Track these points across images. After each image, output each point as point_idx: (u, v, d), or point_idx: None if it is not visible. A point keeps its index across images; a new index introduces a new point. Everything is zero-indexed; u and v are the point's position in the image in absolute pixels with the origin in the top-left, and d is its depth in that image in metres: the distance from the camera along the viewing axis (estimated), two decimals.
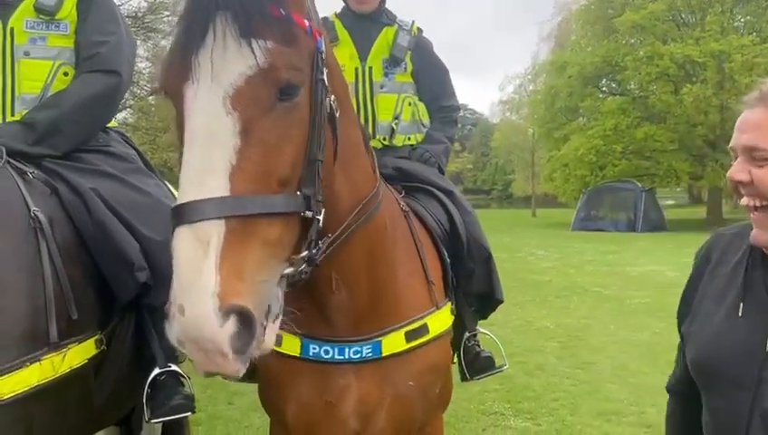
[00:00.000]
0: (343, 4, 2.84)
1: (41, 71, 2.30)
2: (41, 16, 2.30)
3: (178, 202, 1.26)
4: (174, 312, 1.20)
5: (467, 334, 2.48)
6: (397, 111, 2.77)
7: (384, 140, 2.75)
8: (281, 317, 1.36)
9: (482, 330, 2.58)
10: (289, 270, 1.37)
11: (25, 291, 1.79)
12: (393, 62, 2.76)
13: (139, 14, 19.94)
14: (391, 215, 1.97)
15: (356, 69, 2.73)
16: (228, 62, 1.29)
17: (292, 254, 1.39)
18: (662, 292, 9.38)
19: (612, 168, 27.03)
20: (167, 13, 21.13)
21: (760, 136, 1.33)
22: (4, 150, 2.02)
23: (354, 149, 1.75)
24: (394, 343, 1.93)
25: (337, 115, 1.54)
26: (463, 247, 2.38)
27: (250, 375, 2.04)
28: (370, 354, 1.90)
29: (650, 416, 4.69)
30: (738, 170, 1.38)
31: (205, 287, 1.18)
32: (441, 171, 2.81)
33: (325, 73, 1.48)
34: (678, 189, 41.35)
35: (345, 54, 2.67)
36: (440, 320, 2.08)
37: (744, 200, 1.39)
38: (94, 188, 2.14)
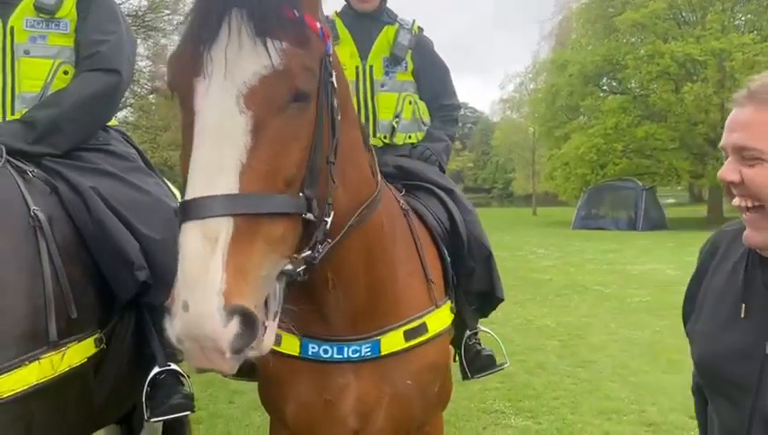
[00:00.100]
0: (344, 2, 2.84)
1: (41, 69, 2.30)
2: (41, 15, 2.29)
3: (187, 197, 1.25)
4: (177, 308, 1.19)
5: (468, 333, 2.48)
6: (397, 110, 2.77)
7: (385, 138, 2.75)
8: (279, 316, 1.36)
9: (483, 328, 2.59)
10: (288, 267, 1.37)
11: (25, 290, 1.79)
12: (394, 60, 2.76)
13: (140, 13, 19.95)
14: (390, 213, 1.97)
15: (357, 67, 2.73)
16: (243, 61, 1.28)
17: (292, 253, 1.39)
18: (663, 290, 9.39)
19: (613, 166, 27.03)
20: (167, 11, 21.15)
21: (749, 135, 1.29)
22: (3, 149, 2.02)
23: (354, 150, 1.75)
24: (393, 341, 1.93)
25: (338, 118, 1.54)
26: (463, 246, 2.38)
27: (250, 373, 2.04)
28: (369, 353, 1.90)
29: (651, 414, 4.69)
30: (728, 170, 1.34)
31: (211, 285, 1.17)
32: (442, 169, 2.81)
33: (334, 76, 1.50)
34: (679, 188, 41.33)
35: (346, 53, 2.67)
36: (439, 319, 2.08)
37: (736, 201, 1.35)
38: (94, 186, 2.14)
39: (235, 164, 1.26)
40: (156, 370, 2.13)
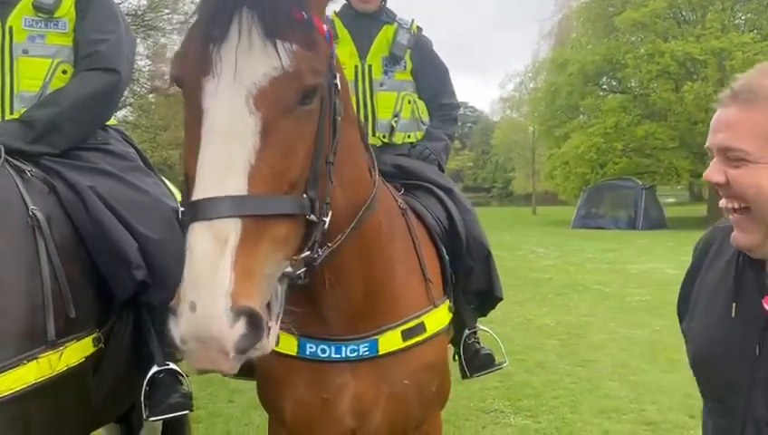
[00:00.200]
0: (343, 2, 2.83)
1: (40, 69, 2.29)
2: (39, 14, 2.29)
3: (196, 197, 1.25)
4: (183, 308, 1.19)
5: (467, 332, 2.49)
6: (396, 109, 2.77)
7: (384, 137, 2.76)
8: (281, 317, 1.36)
9: (482, 327, 2.59)
10: (288, 269, 1.37)
11: (24, 290, 1.79)
12: (393, 60, 2.76)
13: (139, 12, 19.94)
14: (388, 213, 1.97)
15: (356, 67, 2.73)
16: (253, 61, 1.29)
17: (294, 255, 1.39)
18: (662, 289, 9.38)
19: (613, 165, 27.02)
20: (167, 10, 21.14)
21: (733, 136, 1.27)
22: (2, 149, 2.01)
23: (353, 150, 1.75)
24: (391, 341, 1.93)
25: (340, 119, 1.54)
26: (462, 245, 2.38)
27: (249, 372, 2.04)
28: (367, 353, 1.90)
29: (650, 413, 4.69)
30: (713, 171, 1.32)
31: (219, 286, 1.17)
32: (441, 169, 2.82)
33: (338, 78, 1.51)
34: (679, 187, 41.32)
35: (345, 53, 2.67)
36: (437, 318, 2.08)
37: (723, 202, 1.33)
38: (92, 186, 2.13)
39: (244, 165, 1.26)
40: (154, 369, 2.13)
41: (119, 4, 3.00)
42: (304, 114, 1.37)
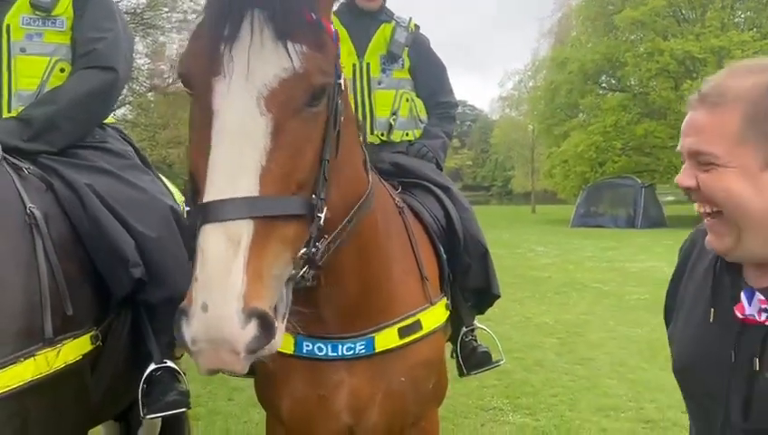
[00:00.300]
0: (341, 0, 2.84)
1: (37, 67, 2.29)
2: (37, 13, 2.29)
3: (207, 199, 1.25)
4: (195, 309, 1.19)
5: (464, 329, 2.49)
6: (394, 107, 2.78)
7: (382, 135, 2.76)
8: (286, 317, 1.36)
9: (479, 325, 2.59)
10: (293, 271, 1.37)
11: (21, 287, 1.79)
12: (390, 58, 2.77)
13: (138, 10, 19.90)
14: (384, 211, 1.97)
15: (354, 65, 2.74)
16: (264, 62, 1.29)
17: (296, 254, 1.39)
18: (661, 288, 9.15)
19: (612, 164, 27.04)
20: (166, 9, 21.10)
21: (702, 140, 1.25)
22: None
23: (350, 148, 1.75)
24: (387, 339, 1.94)
25: (342, 118, 1.55)
26: (459, 243, 2.39)
27: (248, 370, 2.05)
28: (363, 351, 1.90)
29: (649, 411, 4.70)
30: (685, 176, 1.29)
31: (232, 288, 1.18)
32: (439, 167, 2.82)
33: (342, 78, 1.52)
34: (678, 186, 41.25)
35: (343, 51, 2.65)
36: (434, 316, 2.08)
37: (696, 206, 1.31)
38: (90, 184, 2.13)
39: (256, 166, 1.27)
40: (152, 367, 2.14)
41: (117, 2, 2.99)
42: (312, 115, 1.38)
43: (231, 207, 1.23)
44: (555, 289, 10.14)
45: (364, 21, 2.79)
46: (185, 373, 2.26)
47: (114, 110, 2.75)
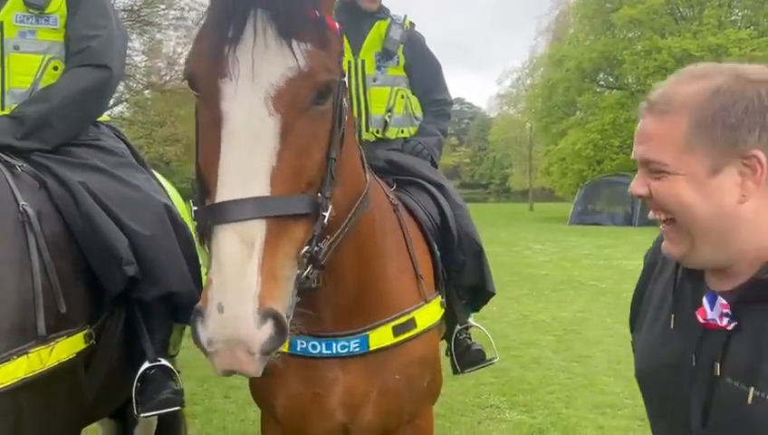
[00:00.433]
0: None
1: (30, 65, 2.28)
2: (30, 10, 2.28)
3: (220, 199, 1.26)
4: (211, 310, 1.20)
5: (458, 327, 2.49)
6: (390, 104, 2.78)
7: (377, 132, 2.76)
8: (290, 319, 1.37)
9: (473, 323, 2.59)
10: (298, 271, 1.38)
11: (14, 285, 1.78)
12: (385, 55, 2.77)
13: (135, 8, 19.85)
14: (380, 209, 1.97)
15: (349, 62, 2.73)
16: (270, 62, 1.29)
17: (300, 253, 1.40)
18: None
19: (610, 162, 27.05)
20: (162, 6, 21.07)
21: (651, 148, 1.25)
22: None
23: (350, 147, 1.75)
24: (382, 337, 1.94)
25: (346, 117, 1.55)
26: (453, 241, 2.39)
27: None
28: (358, 349, 1.91)
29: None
30: (637, 184, 1.30)
31: (247, 288, 1.19)
32: (434, 164, 2.82)
33: (346, 76, 1.52)
34: None
35: None
36: (429, 314, 2.08)
37: (652, 214, 1.31)
38: (83, 182, 2.13)
39: (267, 167, 1.28)
40: (146, 365, 2.13)
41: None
42: (319, 113, 1.38)
43: (243, 207, 1.24)
44: (552, 287, 10.15)
45: (359, 18, 2.78)
46: (179, 372, 2.25)
47: (111, 107, 2.74)
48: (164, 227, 2.24)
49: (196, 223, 1.38)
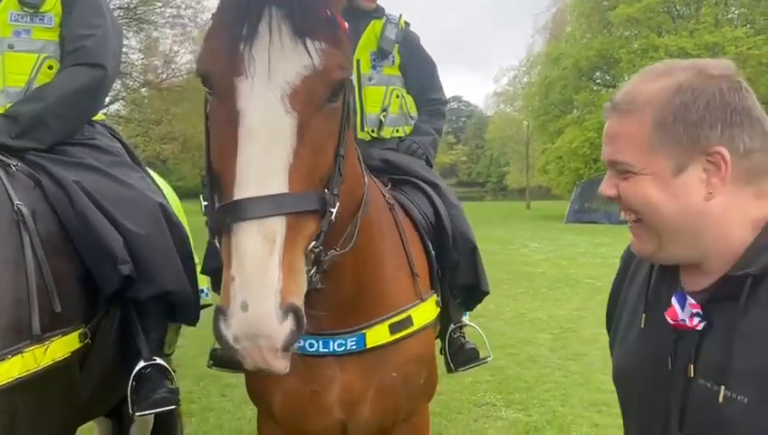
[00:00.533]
0: None
1: (25, 64, 2.28)
2: (25, 9, 2.27)
3: (238, 196, 1.27)
4: (234, 308, 1.21)
5: (452, 326, 2.50)
6: (385, 104, 2.78)
7: (372, 132, 2.76)
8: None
9: (467, 322, 2.60)
10: (306, 267, 1.38)
11: (8, 284, 1.78)
12: (381, 54, 2.77)
13: (131, 6, 19.81)
14: (377, 208, 1.97)
15: None
16: (285, 61, 1.30)
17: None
18: None
19: None
20: (159, 4, 21.03)
21: (617, 149, 1.23)
22: None
23: (352, 145, 1.76)
24: (378, 335, 1.94)
25: (352, 115, 1.57)
26: (448, 239, 2.39)
27: (240, 366, 2.05)
28: (354, 347, 1.91)
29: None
30: (606, 186, 1.28)
31: (270, 285, 1.20)
32: (429, 163, 2.83)
33: (353, 74, 1.53)
34: None
35: None
36: (425, 312, 2.09)
37: (622, 214, 1.30)
38: (78, 181, 2.12)
39: (284, 164, 1.29)
40: (141, 364, 2.13)
41: None
42: (332, 111, 1.40)
43: (263, 204, 1.25)
44: (549, 285, 10.17)
45: (354, 17, 2.77)
46: (174, 371, 2.26)
47: (107, 105, 2.74)
48: (159, 226, 2.24)
49: (207, 219, 1.39)
